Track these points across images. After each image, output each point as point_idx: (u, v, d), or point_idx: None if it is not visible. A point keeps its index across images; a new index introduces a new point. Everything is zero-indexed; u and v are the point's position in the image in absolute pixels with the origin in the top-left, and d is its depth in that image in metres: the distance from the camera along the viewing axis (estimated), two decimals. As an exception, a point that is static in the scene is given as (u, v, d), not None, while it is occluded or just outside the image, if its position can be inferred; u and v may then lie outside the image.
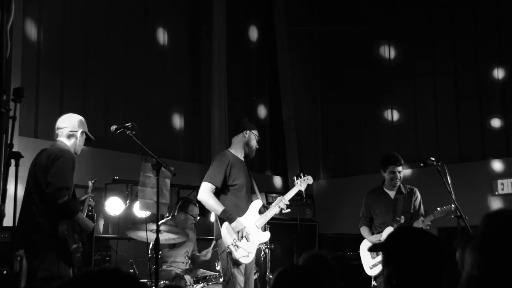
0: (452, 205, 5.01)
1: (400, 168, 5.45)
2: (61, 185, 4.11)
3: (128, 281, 1.26)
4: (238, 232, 4.60)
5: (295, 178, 5.25)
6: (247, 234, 4.67)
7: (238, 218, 4.66)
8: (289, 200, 5.16)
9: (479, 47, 8.40)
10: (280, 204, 4.94)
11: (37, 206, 4.16)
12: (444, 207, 5.16)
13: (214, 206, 4.63)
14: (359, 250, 6.04)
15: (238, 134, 4.96)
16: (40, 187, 4.16)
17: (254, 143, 4.95)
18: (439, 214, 5.24)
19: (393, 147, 9.00)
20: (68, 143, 4.39)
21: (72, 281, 1.25)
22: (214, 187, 4.66)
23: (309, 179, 5.22)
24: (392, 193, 5.57)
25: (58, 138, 4.41)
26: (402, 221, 5.42)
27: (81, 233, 4.34)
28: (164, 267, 5.77)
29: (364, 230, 5.65)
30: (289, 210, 5.04)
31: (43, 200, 4.15)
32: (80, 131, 4.42)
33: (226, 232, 4.59)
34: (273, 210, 4.93)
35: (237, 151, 4.92)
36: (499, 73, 8.21)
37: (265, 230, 4.92)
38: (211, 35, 8.51)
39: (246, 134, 4.92)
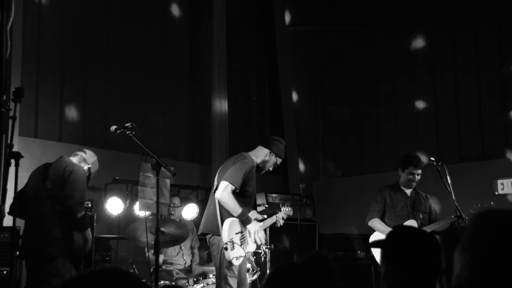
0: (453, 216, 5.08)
1: (419, 171, 5.50)
2: (81, 199, 4.38)
3: (129, 279, 1.26)
4: (255, 233, 4.71)
5: (280, 206, 5.30)
6: (244, 239, 4.69)
7: (238, 222, 4.68)
8: (289, 200, 5.20)
9: (479, 47, 8.40)
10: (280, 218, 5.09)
11: (51, 219, 4.31)
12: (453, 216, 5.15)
13: (234, 207, 4.64)
14: (358, 250, 6.03)
15: (264, 147, 5.00)
16: (55, 198, 4.32)
17: (268, 166, 5.00)
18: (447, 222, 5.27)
19: (393, 147, 9.00)
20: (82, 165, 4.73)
21: (75, 279, 1.25)
22: (234, 188, 4.66)
23: (291, 211, 5.29)
24: (408, 191, 5.62)
25: (71, 157, 4.75)
26: (421, 216, 5.47)
27: (83, 246, 4.52)
28: (164, 267, 5.78)
29: (376, 222, 5.59)
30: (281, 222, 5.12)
31: (58, 212, 4.30)
32: (87, 167, 4.73)
33: (227, 229, 4.57)
34: (267, 223, 5.06)
35: (256, 159, 4.94)
36: (499, 73, 8.20)
37: (265, 231, 4.97)
38: (211, 35, 8.50)
39: (270, 154, 4.96)
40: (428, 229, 5.20)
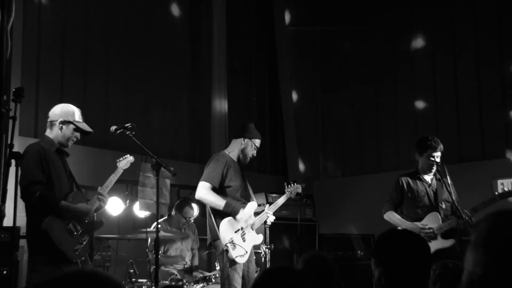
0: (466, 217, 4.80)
1: (439, 153, 5.19)
2: (26, 183, 3.97)
3: (106, 284, 1.18)
4: (247, 220, 4.65)
5: (285, 185, 5.21)
6: (244, 235, 4.67)
7: (237, 217, 4.68)
8: (289, 200, 5.18)
9: (479, 47, 8.39)
10: (269, 212, 4.95)
11: (26, 212, 4.08)
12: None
13: (216, 201, 4.64)
14: (358, 250, 5.97)
15: (237, 138, 4.97)
16: None
17: (249, 153, 4.93)
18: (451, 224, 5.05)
19: (393, 147, 9.01)
20: (51, 134, 4.22)
21: (46, 282, 1.18)
22: (211, 186, 4.68)
23: (299, 188, 5.19)
24: (429, 178, 5.27)
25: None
26: (444, 206, 5.15)
27: (79, 221, 4.09)
28: (162, 267, 5.78)
29: (392, 215, 5.19)
30: (273, 218, 5.01)
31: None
32: (59, 120, 4.18)
33: (225, 230, 4.60)
34: (265, 215, 4.95)
35: (233, 153, 4.94)
36: (499, 73, 8.20)
37: (265, 231, 4.92)
38: (211, 35, 8.51)
39: (244, 141, 4.92)
40: (438, 230, 5.03)
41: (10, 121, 3.61)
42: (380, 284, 2.14)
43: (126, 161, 4.51)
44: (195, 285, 5.35)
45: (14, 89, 3.68)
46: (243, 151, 4.91)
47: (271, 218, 4.97)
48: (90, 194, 6.34)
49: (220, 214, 4.68)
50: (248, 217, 4.80)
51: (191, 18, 8.71)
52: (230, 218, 4.66)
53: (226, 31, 8.54)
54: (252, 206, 4.86)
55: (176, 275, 5.69)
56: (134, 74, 7.76)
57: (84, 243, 4.13)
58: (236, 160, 4.92)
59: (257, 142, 4.97)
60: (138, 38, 7.88)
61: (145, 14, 8.05)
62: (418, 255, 2.16)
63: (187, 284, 5.39)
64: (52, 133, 4.21)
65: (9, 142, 3.54)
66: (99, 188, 4.31)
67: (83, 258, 4.08)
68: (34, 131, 6.57)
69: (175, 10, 8.48)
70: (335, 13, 9.92)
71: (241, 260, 4.61)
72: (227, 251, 4.54)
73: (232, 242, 4.56)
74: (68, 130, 4.21)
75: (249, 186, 5.01)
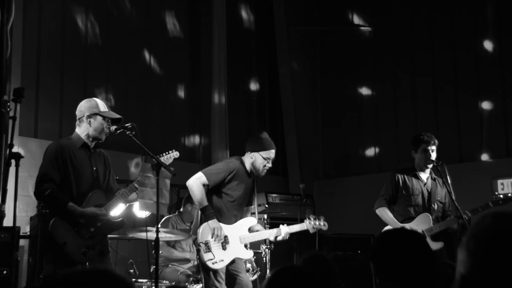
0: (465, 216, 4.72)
1: (433, 147, 5.14)
2: (37, 179, 4.00)
3: (119, 284, 1.19)
4: (214, 230, 4.48)
5: (308, 216, 5.00)
6: (225, 243, 4.57)
7: (222, 225, 4.57)
8: (289, 200, 5.16)
9: (479, 46, 8.39)
10: (278, 236, 4.78)
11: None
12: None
13: (200, 197, 4.54)
14: (358, 250, 5.95)
15: (247, 151, 4.83)
16: None
17: (259, 165, 4.73)
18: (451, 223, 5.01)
19: (394, 147, 9.00)
20: (80, 131, 4.20)
21: (61, 279, 1.19)
22: (206, 182, 4.61)
23: (324, 226, 4.94)
24: (424, 177, 5.22)
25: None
26: (436, 208, 5.11)
27: (87, 225, 4.03)
28: (169, 265, 5.79)
29: (385, 212, 5.15)
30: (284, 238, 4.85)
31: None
32: (86, 115, 4.15)
33: (203, 230, 4.53)
34: (267, 234, 4.83)
35: (247, 165, 4.79)
36: (499, 73, 8.20)
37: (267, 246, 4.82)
38: (211, 35, 8.51)
39: (251, 155, 4.76)
40: (428, 232, 5.04)
41: (10, 121, 3.62)
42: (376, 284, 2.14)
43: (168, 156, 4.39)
44: (195, 285, 5.35)
45: (14, 89, 3.68)
46: (253, 164, 4.74)
47: (284, 233, 4.79)
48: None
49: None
50: (239, 229, 4.69)
51: (191, 18, 8.71)
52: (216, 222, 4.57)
53: (226, 31, 8.54)
54: (249, 221, 4.79)
55: (185, 270, 5.68)
56: (134, 74, 7.76)
57: (97, 243, 4.07)
58: (249, 172, 4.79)
59: (265, 153, 4.74)
60: (138, 38, 7.88)
61: (145, 14, 8.05)
62: (419, 254, 2.13)
63: (187, 284, 5.39)
64: (81, 129, 4.19)
65: (9, 142, 3.55)
66: (136, 180, 4.19)
67: (90, 258, 3.98)
68: (34, 131, 6.57)
69: (175, 10, 8.47)
70: (335, 13, 9.92)
71: (212, 265, 4.47)
72: (198, 250, 4.50)
73: (206, 244, 4.49)
74: (97, 122, 4.16)
75: (255, 201, 4.88)
